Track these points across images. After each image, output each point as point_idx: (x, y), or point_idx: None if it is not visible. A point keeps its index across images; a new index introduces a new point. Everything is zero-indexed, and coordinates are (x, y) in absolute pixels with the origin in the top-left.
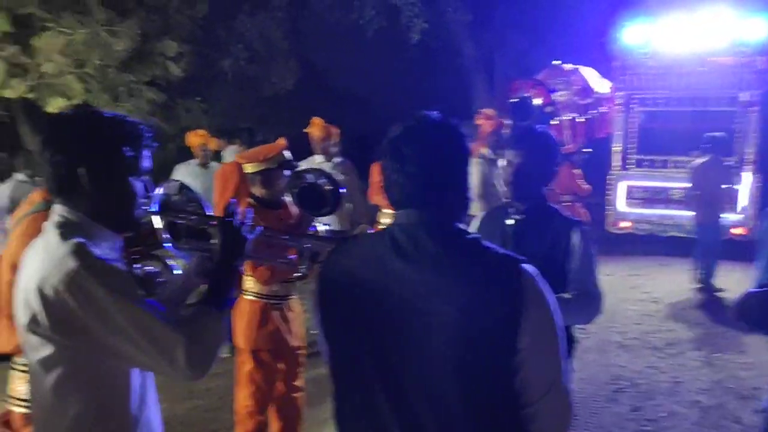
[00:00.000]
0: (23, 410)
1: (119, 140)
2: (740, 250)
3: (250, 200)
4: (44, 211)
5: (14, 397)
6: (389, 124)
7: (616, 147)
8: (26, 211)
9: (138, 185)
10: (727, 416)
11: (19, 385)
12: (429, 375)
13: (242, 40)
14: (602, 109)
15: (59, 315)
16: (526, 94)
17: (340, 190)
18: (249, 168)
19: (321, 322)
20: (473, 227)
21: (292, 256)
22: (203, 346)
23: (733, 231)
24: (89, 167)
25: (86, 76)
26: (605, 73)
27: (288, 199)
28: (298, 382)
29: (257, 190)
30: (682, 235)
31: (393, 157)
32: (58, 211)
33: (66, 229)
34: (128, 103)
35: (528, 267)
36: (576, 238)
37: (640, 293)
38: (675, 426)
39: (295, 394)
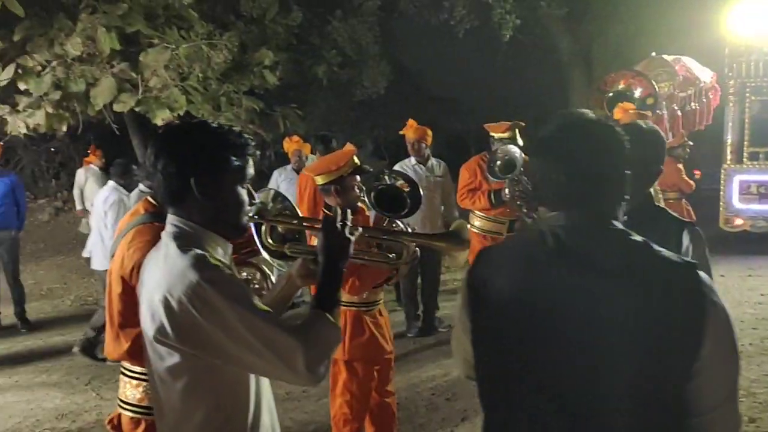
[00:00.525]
0: (132, 414)
1: (227, 150)
2: None
3: (325, 210)
4: (149, 223)
5: (124, 402)
6: (481, 124)
7: (729, 139)
8: (129, 222)
9: (244, 193)
10: None
11: (129, 390)
12: (596, 384)
13: (335, 46)
14: (704, 100)
15: (184, 326)
16: (623, 86)
17: (419, 192)
18: (320, 180)
19: (471, 333)
20: None
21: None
22: (320, 350)
23: None
24: (200, 177)
25: (189, 88)
26: (712, 62)
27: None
28: (390, 387)
29: (332, 200)
30: None
31: (551, 155)
32: (172, 221)
33: (182, 240)
34: (228, 112)
35: (702, 272)
36: (687, 240)
37: (758, 296)
38: None
39: (387, 399)
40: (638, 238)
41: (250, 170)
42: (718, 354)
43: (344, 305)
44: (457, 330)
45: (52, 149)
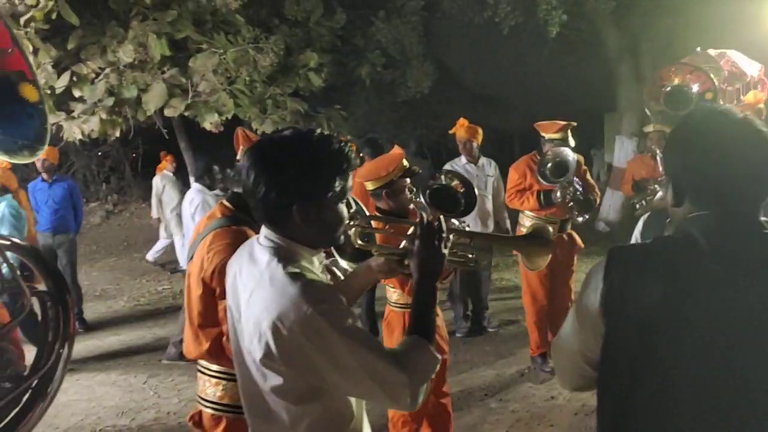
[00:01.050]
0: (212, 411)
1: (332, 173)
2: None
3: (378, 214)
4: (227, 227)
5: (204, 399)
6: (526, 122)
7: None
8: (207, 225)
9: (345, 209)
10: None
11: (209, 388)
12: (748, 394)
13: (378, 46)
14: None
15: (294, 354)
16: (678, 81)
17: (474, 191)
18: (371, 185)
19: (604, 340)
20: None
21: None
22: (422, 380)
23: None
24: (303, 204)
25: (236, 92)
26: (763, 56)
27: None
28: (445, 388)
29: (384, 204)
30: None
31: (697, 149)
32: (268, 235)
33: (281, 257)
34: (274, 114)
35: None
36: None
37: None
38: None
39: (443, 400)
40: None
41: (350, 183)
42: None
43: (400, 308)
44: (567, 339)
45: (101, 154)
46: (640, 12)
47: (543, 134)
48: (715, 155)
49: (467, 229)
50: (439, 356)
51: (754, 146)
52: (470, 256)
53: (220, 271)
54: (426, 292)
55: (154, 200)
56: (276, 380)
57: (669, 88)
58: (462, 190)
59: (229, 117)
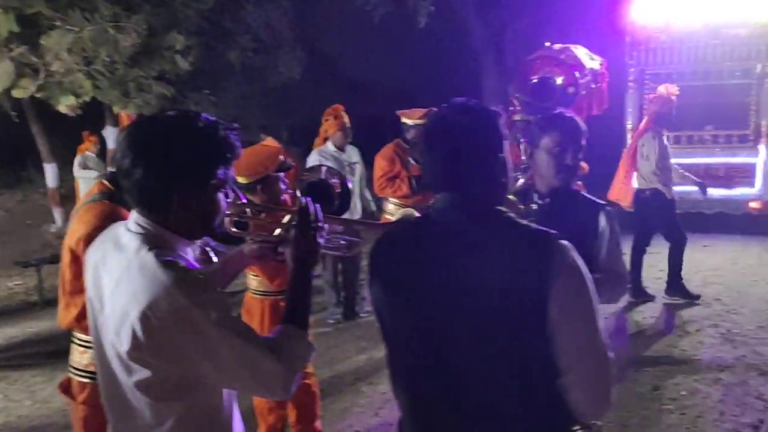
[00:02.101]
0: (79, 378)
1: (215, 161)
2: (757, 225)
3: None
4: (98, 201)
5: (74, 367)
6: (399, 109)
7: (629, 124)
8: (83, 201)
9: (223, 198)
10: (750, 393)
11: (76, 356)
12: (473, 351)
13: (249, 30)
14: (593, 87)
15: (164, 344)
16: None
17: (349, 191)
18: (245, 180)
19: (373, 305)
20: None
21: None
22: (295, 369)
23: (751, 205)
24: (182, 192)
25: (95, 73)
26: (616, 50)
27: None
28: (309, 368)
29: (257, 198)
30: (696, 211)
31: (428, 143)
32: (138, 221)
33: (152, 244)
34: (137, 98)
35: (561, 241)
36: (603, 221)
37: (657, 271)
38: (697, 404)
39: (307, 381)
40: (508, 215)
41: (232, 173)
42: (568, 315)
43: (260, 294)
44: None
45: None
46: (502, 7)
47: (406, 121)
48: (444, 146)
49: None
50: (314, 344)
51: (480, 137)
52: (342, 243)
53: (86, 240)
54: (301, 280)
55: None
56: (143, 374)
57: (535, 80)
58: (339, 190)
59: (88, 99)
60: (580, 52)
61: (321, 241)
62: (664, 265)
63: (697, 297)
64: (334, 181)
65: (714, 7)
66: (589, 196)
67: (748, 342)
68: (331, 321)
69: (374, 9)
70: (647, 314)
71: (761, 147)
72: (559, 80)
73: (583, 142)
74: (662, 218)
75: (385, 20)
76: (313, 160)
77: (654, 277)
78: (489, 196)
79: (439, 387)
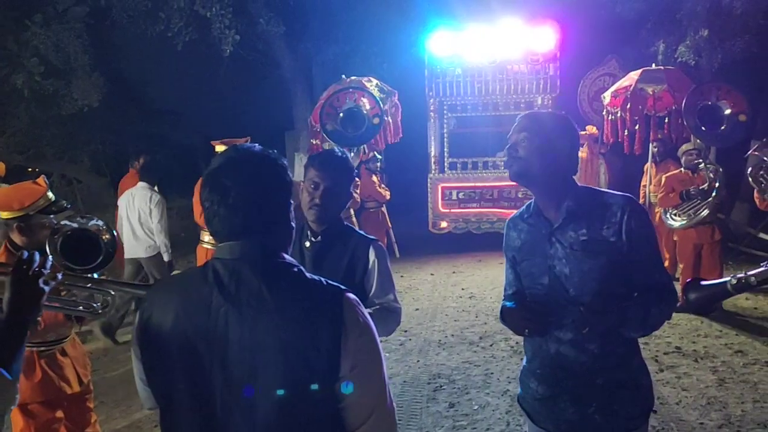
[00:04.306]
0: None
1: None
2: None
3: (10, 248)
4: None
5: None
6: (211, 137)
7: (432, 152)
8: None
9: None
10: None
11: None
12: (261, 413)
13: (36, 53)
14: (388, 119)
15: None
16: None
17: (115, 239)
18: (5, 215)
19: (143, 367)
20: None
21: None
22: None
23: None
24: None
25: None
26: (417, 82)
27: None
28: (90, 429)
29: (17, 238)
30: (494, 231)
31: (213, 188)
32: None
33: None
34: None
35: (351, 295)
36: (372, 256)
37: (459, 290)
38: (487, 418)
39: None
40: (297, 268)
41: None
42: (358, 373)
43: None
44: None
45: None
46: (311, 38)
47: (220, 150)
48: (227, 193)
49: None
50: (15, 385)
51: (268, 184)
52: (95, 305)
53: None
54: (14, 327)
55: None
56: None
57: (342, 114)
58: (106, 237)
59: None
60: (372, 84)
61: (46, 288)
62: (467, 284)
63: None
64: (94, 225)
65: (499, 45)
66: (359, 231)
67: None
68: None
69: (176, 36)
70: (449, 332)
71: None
72: (365, 109)
73: (348, 181)
74: None
75: (192, 47)
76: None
77: (456, 296)
78: (277, 244)
79: None
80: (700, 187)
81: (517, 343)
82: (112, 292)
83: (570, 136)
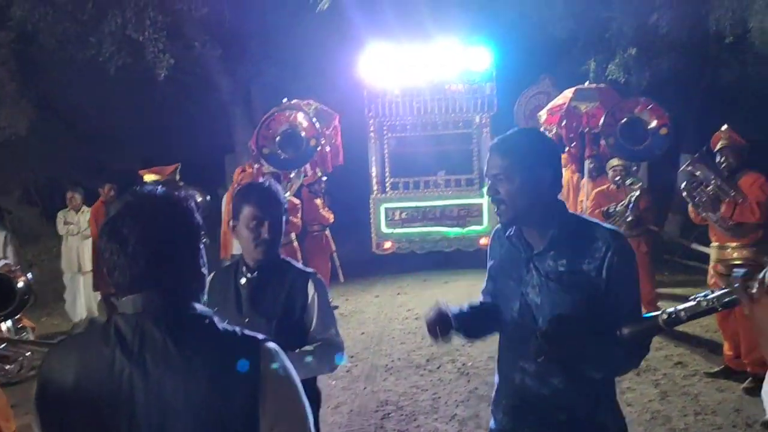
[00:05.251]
0: None
1: None
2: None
3: None
4: None
5: None
6: (151, 161)
7: (373, 172)
8: None
9: None
10: (481, 425)
11: None
12: None
13: None
14: (333, 141)
15: None
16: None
17: (30, 283)
18: None
19: (41, 428)
20: None
21: None
22: None
23: (482, 242)
24: None
25: None
26: (357, 103)
27: None
28: None
29: None
30: (438, 250)
31: (111, 237)
32: None
33: None
34: None
35: (269, 345)
36: (312, 290)
37: (405, 311)
38: None
39: None
40: (208, 319)
41: None
42: (281, 427)
43: None
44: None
45: None
46: (249, 60)
47: (149, 179)
48: (127, 241)
49: None
50: None
51: (170, 229)
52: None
53: None
54: None
55: None
56: None
57: (280, 134)
58: (21, 282)
59: None
60: (311, 107)
61: None
62: (413, 305)
63: None
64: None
65: (436, 65)
66: (297, 265)
67: (480, 374)
68: None
69: (109, 60)
70: (396, 356)
71: (485, 189)
72: (303, 132)
73: (284, 210)
74: None
75: (123, 71)
76: None
77: (402, 317)
78: (185, 294)
79: None
80: (619, 204)
81: (463, 364)
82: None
83: (549, 158)
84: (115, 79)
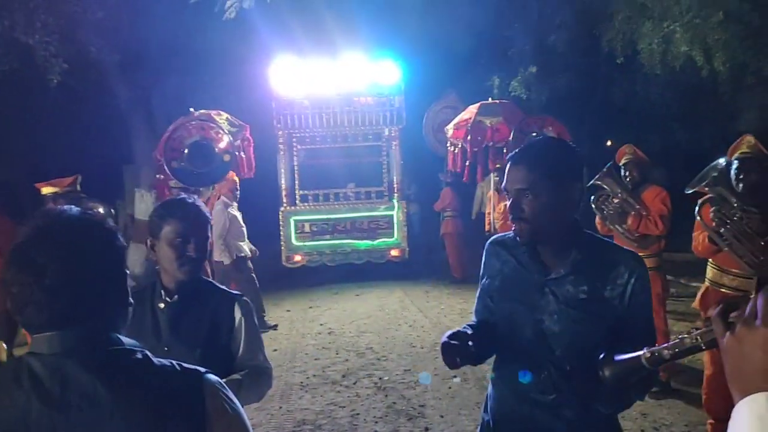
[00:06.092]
0: None
1: None
2: (399, 270)
3: None
4: None
5: None
6: (41, 170)
7: (282, 184)
8: None
9: None
10: None
11: None
12: None
13: None
14: (242, 154)
15: None
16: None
17: None
18: None
19: None
20: None
21: None
22: None
23: (392, 253)
24: None
25: None
26: (266, 114)
27: None
28: None
29: None
30: (348, 262)
31: (24, 268)
32: None
33: None
34: None
35: (212, 378)
36: (238, 314)
37: (318, 326)
38: None
39: None
40: (140, 354)
41: None
42: None
43: None
44: None
45: None
46: (149, 68)
47: (47, 192)
48: (41, 272)
49: None
50: None
51: (90, 255)
52: None
53: None
54: None
55: None
56: None
57: (189, 147)
58: None
59: None
60: (222, 118)
61: None
62: (326, 319)
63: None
64: None
65: (345, 78)
66: (221, 287)
67: (397, 387)
68: None
69: None
70: (311, 373)
71: (395, 201)
72: (218, 146)
73: (210, 227)
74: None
75: (11, 77)
76: None
77: (315, 332)
78: (110, 327)
79: None
80: None
81: (380, 379)
82: None
83: (579, 171)
84: (2, 83)
